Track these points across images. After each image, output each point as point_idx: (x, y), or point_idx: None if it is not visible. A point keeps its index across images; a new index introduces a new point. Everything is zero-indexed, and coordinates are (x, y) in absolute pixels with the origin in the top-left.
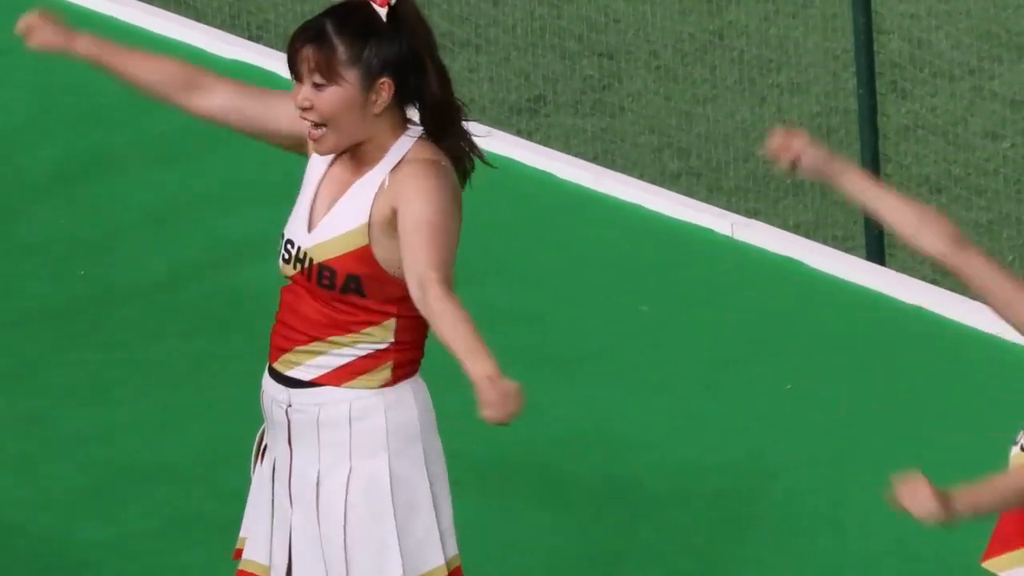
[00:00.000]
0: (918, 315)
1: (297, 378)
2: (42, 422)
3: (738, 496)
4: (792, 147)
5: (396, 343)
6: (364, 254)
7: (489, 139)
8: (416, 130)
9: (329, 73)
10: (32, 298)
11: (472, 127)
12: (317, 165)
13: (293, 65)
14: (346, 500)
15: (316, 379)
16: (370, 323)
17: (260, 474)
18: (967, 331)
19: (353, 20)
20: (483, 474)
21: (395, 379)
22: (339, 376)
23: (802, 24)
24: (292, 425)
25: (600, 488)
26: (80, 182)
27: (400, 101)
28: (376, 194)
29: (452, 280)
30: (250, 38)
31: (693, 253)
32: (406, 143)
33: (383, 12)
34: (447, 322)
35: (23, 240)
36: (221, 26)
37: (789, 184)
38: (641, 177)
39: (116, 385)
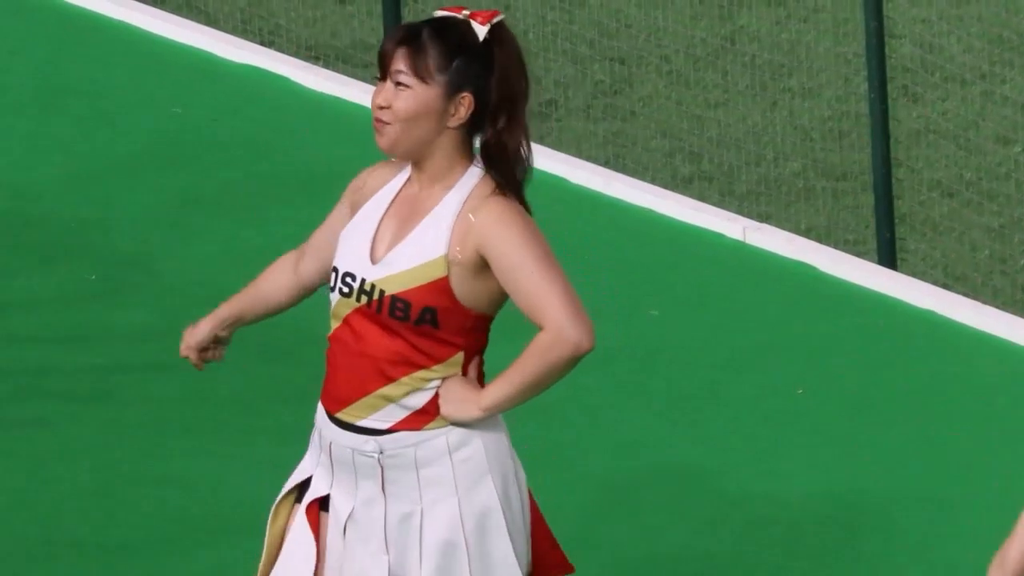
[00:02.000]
0: (929, 319)
1: (372, 428)
2: (51, 425)
3: (748, 499)
4: None
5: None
6: (442, 286)
7: None
8: (479, 167)
9: (415, 73)
10: (41, 301)
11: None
12: (376, 204)
13: (382, 62)
14: (464, 537)
15: (394, 426)
16: (438, 360)
17: (304, 520)
18: (978, 335)
19: (450, 32)
20: None
21: None
22: (417, 421)
23: (813, 29)
24: (386, 470)
25: (608, 490)
26: (89, 186)
27: (472, 126)
28: (454, 226)
29: (575, 305)
30: (262, 43)
31: (704, 257)
32: (475, 173)
33: (482, 31)
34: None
35: (32, 243)
36: (233, 31)
37: (801, 188)
38: (653, 181)
39: (124, 388)
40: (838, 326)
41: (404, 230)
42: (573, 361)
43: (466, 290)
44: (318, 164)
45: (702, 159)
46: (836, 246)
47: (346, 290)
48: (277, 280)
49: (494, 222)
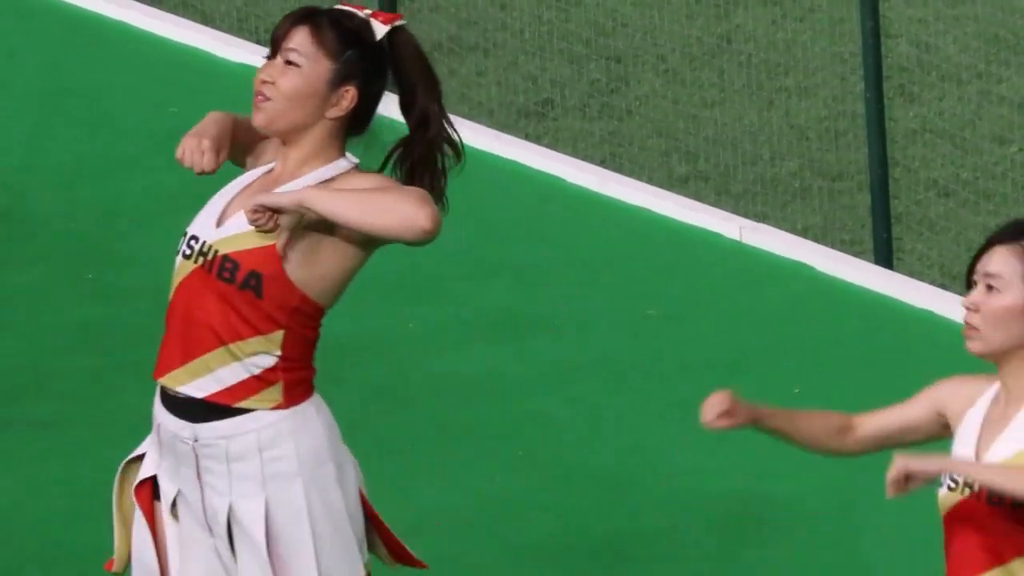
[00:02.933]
0: (926, 319)
1: (189, 395)
2: (50, 426)
3: (745, 499)
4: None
5: (283, 359)
6: (271, 253)
7: (497, 143)
8: (354, 160)
9: (306, 53)
10: (40, 302)
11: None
12: (246, 176)
13: (274, 39)
14: (267, 532)
15: (208, 397)
16: (258, 331)
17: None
18: None
19: (348, 22)
20: (492, 474)
21: (288, 401)
22: (231, 395)
23: (810, 28)
24: (200, 459)
25: (606, 489)
26: (88, 186)
27: (350, 124)
28: None
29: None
30: (258, 42)
31: (701, 257)
32: (342, 166)
33: (381, 30)
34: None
35: (30, 245)
36: (229, 30)
37: (797, 188)
38: (649, 181)
39: (124, 388)
40: (835, 325)
41: (252, 200)
42: (413, 223)
43: (296, 263)
44: None
45: (698, 158)
46: (832, 246)
47: (188, 252)
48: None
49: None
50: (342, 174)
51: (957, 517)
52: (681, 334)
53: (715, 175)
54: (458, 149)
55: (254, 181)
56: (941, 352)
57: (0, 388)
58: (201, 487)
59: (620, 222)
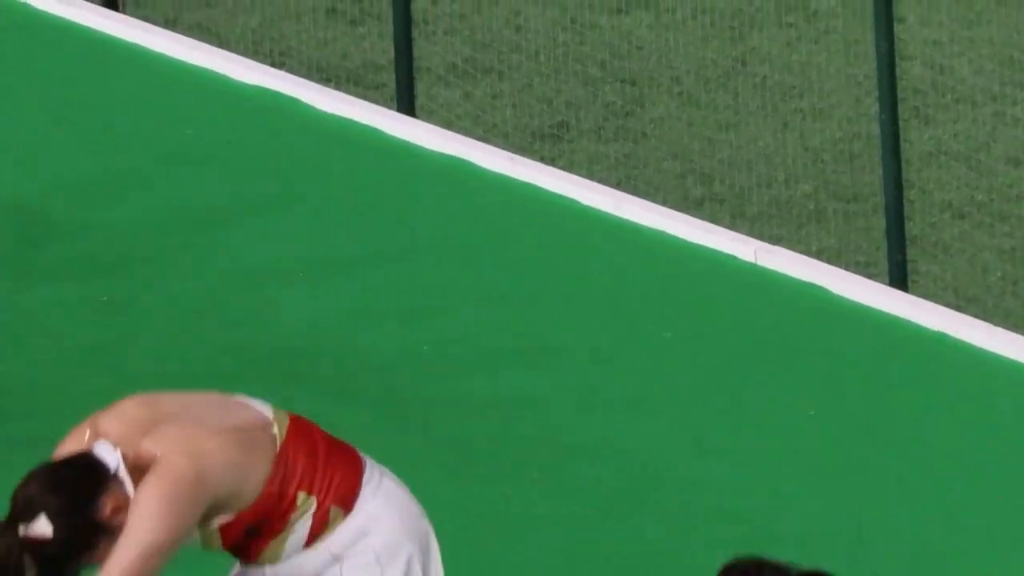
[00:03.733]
0: (941, 341)
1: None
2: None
3: (759, 518)
4: None
5: (317, 508)
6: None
7: (512, 165)
8: None
9: None
10: (51, 321)
11: None
12: None
13: None
14: None
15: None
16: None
17: None
18: (990, 357)
19: None
20: (507, 495)
21: (346, 508)
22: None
23: (824, 50)
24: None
25: (620, 509)
26: (102, 207)
27: None
28: None
29: None
30: (273, 64)
31: (716, 279)
32: None
33: None
34: None
35: (42, 264)
36: (244, 52)
37: (812, 210)
38: (664, 203)
39: None
40: (849, 347)
41: None
42: None
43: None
44: (327, 185)
45: (713, 181)
46: (847, 268)
47: None
48: None
49: None
50: None
51: None
52: (696, 356)
53: (730, 197)
54: None
55: None
56: (955, 374)
57: (11, 408)
58: None
59: (635, 244)
